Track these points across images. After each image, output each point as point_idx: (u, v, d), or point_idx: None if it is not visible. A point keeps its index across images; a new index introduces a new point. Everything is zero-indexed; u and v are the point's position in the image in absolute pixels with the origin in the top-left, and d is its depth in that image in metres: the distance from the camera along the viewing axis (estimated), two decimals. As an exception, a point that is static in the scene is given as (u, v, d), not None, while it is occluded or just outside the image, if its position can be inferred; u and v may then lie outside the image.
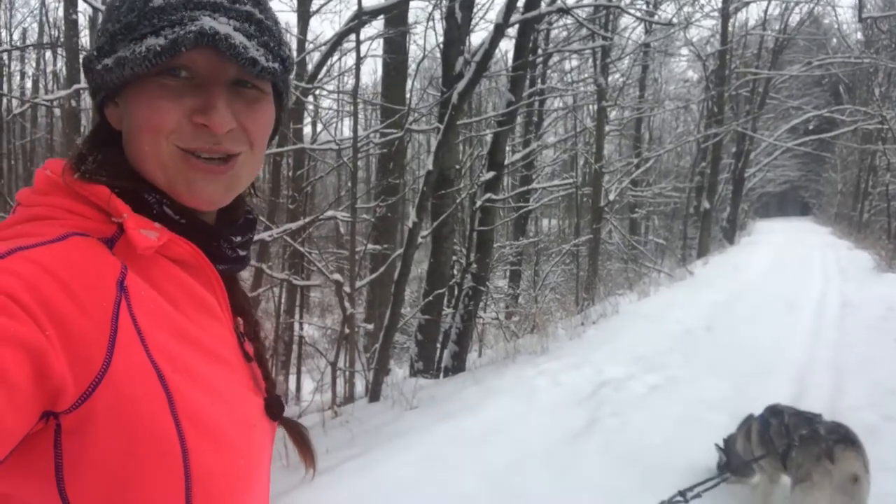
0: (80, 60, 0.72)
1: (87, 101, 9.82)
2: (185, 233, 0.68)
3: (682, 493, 2.71)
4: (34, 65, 17.01)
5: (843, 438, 2.87)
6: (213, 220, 0.74)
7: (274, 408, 0.77)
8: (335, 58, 9.64)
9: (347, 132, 15.41)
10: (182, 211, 0.68)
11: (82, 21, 10.32)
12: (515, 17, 6.33)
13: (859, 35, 23.65)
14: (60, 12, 9.95)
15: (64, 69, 11.20)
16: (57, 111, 12.15)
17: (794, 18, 21.03)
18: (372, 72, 26.45)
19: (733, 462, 3.52)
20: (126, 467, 0.56)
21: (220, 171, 0.68)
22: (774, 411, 3.35)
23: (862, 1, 5.71)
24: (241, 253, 0.76)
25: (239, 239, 0.76)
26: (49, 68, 16.37)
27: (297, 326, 9.27)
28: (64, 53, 10.95)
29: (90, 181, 0.64)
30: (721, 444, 3.66)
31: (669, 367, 5.94)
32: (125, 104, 0.67)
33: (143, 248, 0.62)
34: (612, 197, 12.46)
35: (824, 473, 2.79)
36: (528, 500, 3.40)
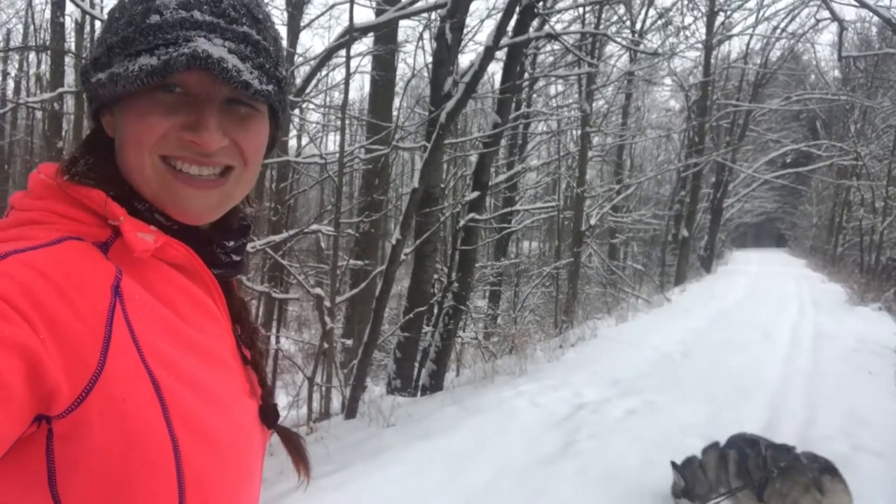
0: (79, 69, 0.72)
1: (69, 104, 9.71)
2: (178, 237, 0.67)
3: None
4: (17, 66, 16.79)
5: (827, 469, 2.89)
6: (206, 225, 0.74)
7: (269, 415, 0.76)
8: (323, 72, 9.67)
9: (332, 147, 15.42)
10: (172, 218, 0.68)
11: (69, 24, 10.23)
12: (505, 40, 6.42)
13: (837, 73, 24.32)
14: (47, 14, 9.85)
15: (48, 72, 11.07)
16: (39, 113, 12.01)
17: (775, 54, 21.60)
18: (359, 88, 26.53)
19: (695, 487, 3.46)
20: (119, 473, 0.56)
21: (210, 186, 0.68)
22: (751, 442, 3.31)
23: (842, 39, 5.90)
24: (235, 258, 0.76)
25: (232, 244, 0.75)
26: (32, 70, 16.16)
27: (273, 340, 9.18)
28: (49, 56, 10.85)
29: (79, 183, 0.64)
30: (676, 464, 3.53)
31: (646, 391, 5.97)
32: (120, 115, 0.67)
33: (140, 251, 0.62)
34: (592, 221, 12.56)
35: None
36: (505, 521, 3.38)
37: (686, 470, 3.50)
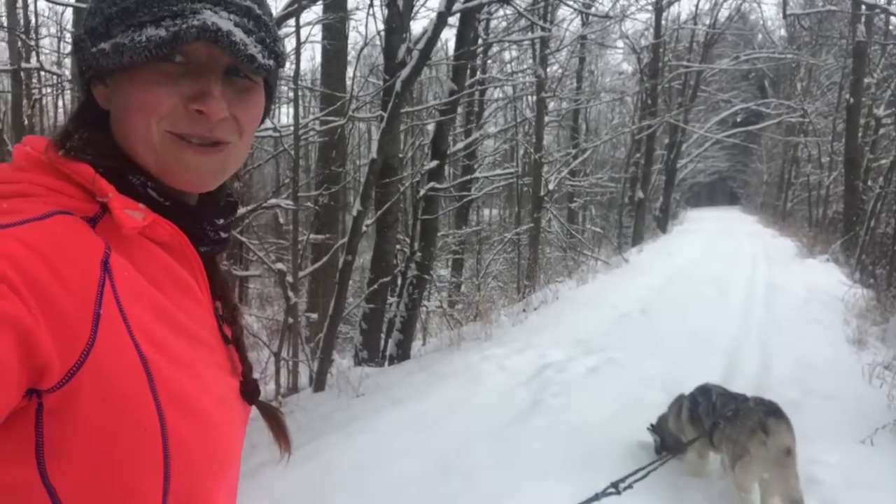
0: (73, 39, 0.71)
1: (6, 83, 9.28)
2: (168, 214, 0.68)
3: (614, 485, 2.56)
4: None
5: (772, 411, 3.04)
6: (194, 203, 0.74)
7: (250, 391, 0.78)
8: (273, 44, 9.43)
9: (286, 119, 15.10)
10: (166, 192, 0.69)
11: None
12: (457, 5, 6.35)
13: (783, 32, 24.79)
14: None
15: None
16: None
17: (724, 14, 21.87)
18: (310, 58, 25.93)
19: (667, 441, 3.67)
20: (106, 447, 0.56)
21: (211, 152, 0.68)
22: (703, 391, 3.50)
23: (786, -2, 6.01)
24: (223, 235, 0.77)
25: (221, 221, 0.76)
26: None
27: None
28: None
29: (75, 159, 0.64)
30: (653, 425, 3.77)
31: (608, 349, 6.13)
32: (116, 85, 0.67)
33: (128, 229, 0.62)
34: (551, 187, 12.66)
35: (760, 445, 2.93)
36: (477, 479, 3.47)
37: (659, 428, 3.72)
